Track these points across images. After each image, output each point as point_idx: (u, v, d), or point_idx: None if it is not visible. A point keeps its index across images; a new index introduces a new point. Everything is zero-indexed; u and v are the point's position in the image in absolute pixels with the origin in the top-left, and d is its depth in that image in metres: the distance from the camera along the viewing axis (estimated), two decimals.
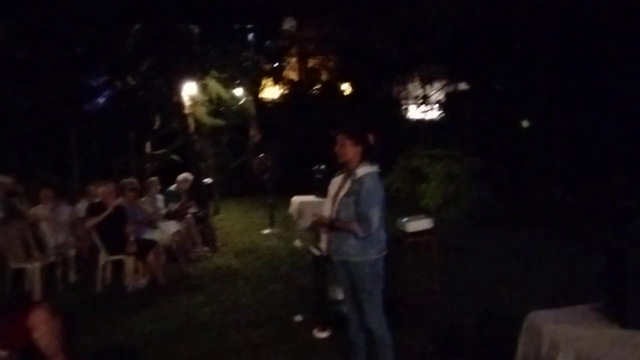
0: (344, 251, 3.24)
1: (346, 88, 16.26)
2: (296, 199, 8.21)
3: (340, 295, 4.50)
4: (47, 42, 9.64)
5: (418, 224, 4.83)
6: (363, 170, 3.24)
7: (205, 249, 7.41)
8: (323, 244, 3.46)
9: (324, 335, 4.31)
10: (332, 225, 3.27)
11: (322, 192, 7.94)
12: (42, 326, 3.21)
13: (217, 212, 10.65)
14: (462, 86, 14.95)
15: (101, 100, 10.96)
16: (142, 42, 9.47)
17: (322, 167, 8.50)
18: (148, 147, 10.88)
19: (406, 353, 3.85)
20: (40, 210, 6.33)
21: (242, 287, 5.89)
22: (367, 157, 3.30)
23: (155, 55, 9.67)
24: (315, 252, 4.68)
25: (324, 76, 16.59)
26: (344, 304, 3.68)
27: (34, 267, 5.61)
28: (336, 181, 3.44)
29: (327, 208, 3.39)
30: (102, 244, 5.86)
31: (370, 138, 3.35)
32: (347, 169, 3.36)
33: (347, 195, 3.23)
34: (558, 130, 10.91)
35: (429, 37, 11.41)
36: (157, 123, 10.98)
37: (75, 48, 10.42)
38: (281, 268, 6.65)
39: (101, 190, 6.12)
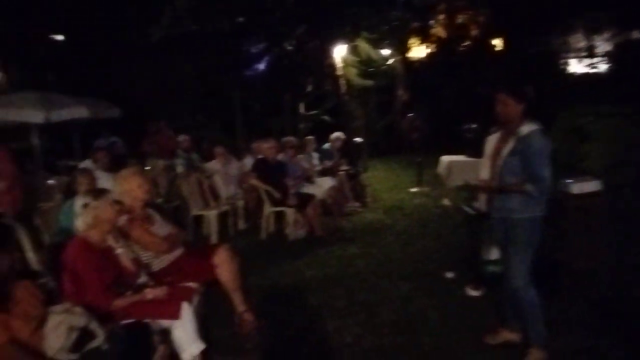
0: (508, 208, 3.17)
1: (497, 44, 15.24)
2: (445, 158, 8.12)
3: (494, 254, 4.47)
4: (214, 15, 10.57)
5: (584, 186, 4.52)
6: (527, 128, 3.11)
7: (356, 204, 7.75)
8: (481, 202, 3.43)
9: (476, 293, 4.33)
10: (502, 189, 3.17)
11: (472, 151, 7.80)
12: (225, 264, 3.73)
13: (365, 170, 10.97)
14: (636, 35, 13.09)
15: (260, 66, 11.78)
16: (297, 8, 9.91)
17: (473, 126, 8.25)
18: (302, 109, 11.52)
19: (564, 320, 3.72)
20: (214, 165, 7.18)
21: (392, 242, 6.11)
22: (528, 114, 3.18)
23: (309, 20, 10.06)
24: (469, 210, 4.67)
25: (474, 32, 15.70)
26: (499, 263, 3.65)
27: (211, 215, 6.43)
28: (493, 140, 3.34)
29: (484, 168, 3.33)
30: (266, 197, 6.47)
31: (532, 95, 3.21)
32: (506, 128, 3.25)
33: (511, 154, 3.13)
34: None
35: None
36: (310, 86, 11.54)
37: (237, 18, 11.29)
38: (430, 225, 6.72)
39: (264, 147, 6.70)
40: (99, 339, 2.32)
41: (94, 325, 2.34)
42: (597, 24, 13.21)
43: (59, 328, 2.22)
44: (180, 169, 7.55)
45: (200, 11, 9.97)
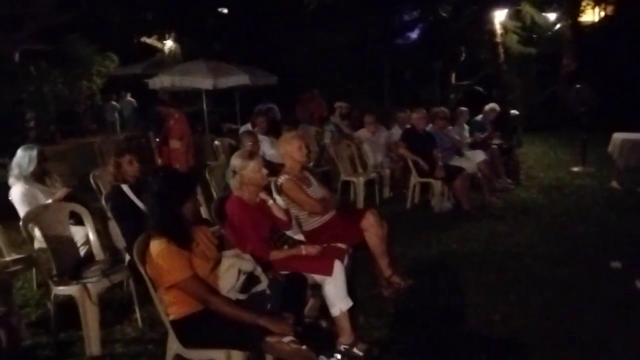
0: None
1: None
2: (618, 136, 7.21)
3: None
4: None
5: None
6: None
7: (508, 180, 7.32)
8: None
9: None
10: None
11: None
12: (373, 228, 3.81)
13: (520, 145, 10.27)
14: None
15: (413, 34, 11.53)
16: None
17: None
18: (453, 78, 11.08)
19: None
20: (363, 133, 7.29)
21: (548, 223, 5.68)
22: None
23: None
24: None
25: None
26: None
27: (359, 181, 6.58)
28: None
29: None
30: (413, 167, 6.41)
31: None
32: None
33: None
34: None
35: None
36: (463, 54, 11.00)
37: None
38: (594, 209, 6.11)
39: (414, 117, 6.60)
40: (264, 284, 2.55)
41: (259, 272, 2.57)
42: None
43: (230, 270, 2.48)
44: (330, 135, 7.80)
45: None
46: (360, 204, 6.45)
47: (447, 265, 4.59)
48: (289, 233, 3.50)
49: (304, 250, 3.23)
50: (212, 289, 2.42)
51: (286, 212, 3.45)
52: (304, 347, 2.29)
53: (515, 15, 9.98)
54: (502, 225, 5.65)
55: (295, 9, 12.52)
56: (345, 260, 3.32)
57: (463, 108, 7.89)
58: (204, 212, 4.04)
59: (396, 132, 7.23)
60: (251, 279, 2.52)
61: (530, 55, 10.88)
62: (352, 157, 6.98)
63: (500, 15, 9.38)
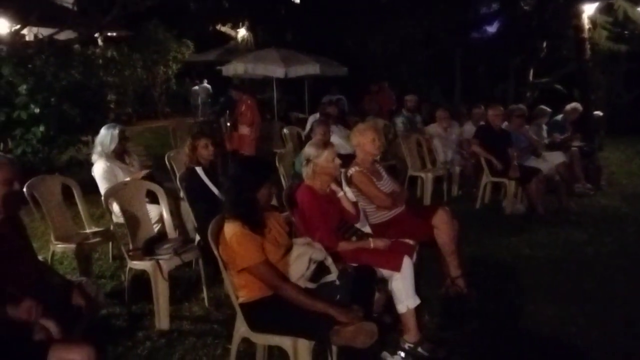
0: None
1: None
2: None
3: None
4: None
5: None
6: None
7: (588, 186, 6.89)
8: None
9: None
10: None
11: None
12: (443, 226, 3.68)
13: (601, 148, 9.65)
14: None
15: (491, 28, 11.10)
16: None
17: None
18: (531, 75, 10.56)
19: None
20: (434, 129, 7.09)
21: (631, 233, 5.29)
22: None
23: None
24: None
25: None
26: None
27: (427, 177, 6.42)
28: None
29: None
30: (485, 165, 6.16)
31: None
32: None
33: None
34: None
35: None
36: (544, 50, 10.45)
37: None
38: None
39: (490, 114, 6.34)
40: (333, 275, 2.52)
41: (329, 262, 2.54)
42: None
43: (301, 258, 2.47)
44: (401, 127, 7.67)
45: None
46: (427, 200, 6.30)
47: (518, 270, 4.38)
48: (357, 225, 3.46)
49: (372, 243, 3.17)
50: (282, 276, 2.41)
51: (355, 204, 3.40)
52: (366, 322, 2.25)
53: (607, 9, 9.33)
54: (580, 232, 5.33)
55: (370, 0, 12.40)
56: (414, 257, 3.24)
57: (543, 107, 7.48)
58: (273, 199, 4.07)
59: (469, 128, 6.98)
60: (321, 269, 2.50)
61: (620, 53, 10.16)
62: (422, 152, 6.82)
63: (589, 9, 8.81)
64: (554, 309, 3.63)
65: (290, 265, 2.51)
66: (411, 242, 3.42)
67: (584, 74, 8.92)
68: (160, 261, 3.36)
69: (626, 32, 9.88)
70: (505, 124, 6.57)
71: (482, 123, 6.59)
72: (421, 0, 11.55)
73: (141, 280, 3.71)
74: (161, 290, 3.36)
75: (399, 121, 7.89)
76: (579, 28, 8.68)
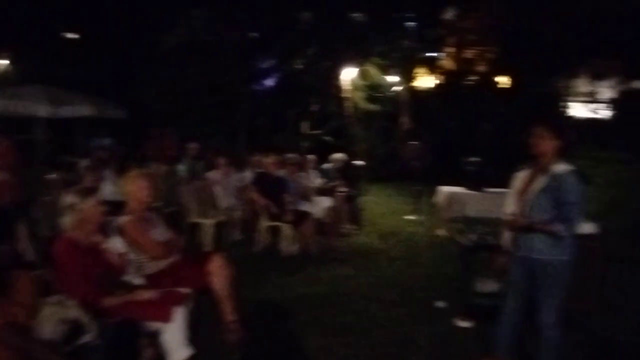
0: (534, 248, 3.14)
1: (502, 81, 15.46)
2: (443, 189, 8.15)
3: (488, 287, 4.50)
4: (228, 27, 10.75)
5: (580, 228, 4.55)
6: (562, 167, 3.09)
7: (352, 226, 7.78)
8: (506, 239, 3.40)
9: (466, 324, 4.33)
10: (531, 227, 3.12)
11: (472, 184, 7.84)
12: (218, 272, 3.72)
13: (364, 193, 11.00)
14: (637, 84, 13.37)
15: (269, 81, 11.91)
16: (311, 29, 10.08)
17: (475, 159, 8.29)
18: (305, 127, 11.61)
19: None
20: (215, 175, 7.22)
21: (385, 267, 6.12)
22: (563, 153, 3.14)
23: (321, 41, 10.22)
24: (463, 242, 4.70)
25: (481, 67, 15.96)
26: (504, 298, 3.50)
27: (208, 223, 6.45)
28: (522, 176, 3.31)
29: (511, 203, 3.31)
30: (263, 210, 6.49)
31: (572, 136, 3.21)
32: (537, 163, 3.21)
33: (543, 191, 3.10)
34: None
35: (605, 29, 10.40)
36: (316, 105, 11.65)
37: (250, 33, 11.46)
38: (424, 254, 6.74)
39: (265, 162, 6.75)
40: (91, 334, 2.33)
41: (86, 320, 2.35)
42: (601, 71, 13.48)
43: (51, 319, 2.24)
44: (183, 174, 7.58)
45: (214, 23, 10.13)
46: (208, 246, 6.31)
47: (290, 308, 4.66)
48: (128, 277, 3.28)
49: (141, 295, 3.04)
50: (29, 339, 2.14)
51: (122, 256, 3.23)
52: None
53: (363, 74, 10.96)
54: (345, 268, 5.95)
55: (153, 42, 12.19)
56: (187, 306, 3.20)
57: (311, 156, 8.28)
58: (29, 253, 3.61)
59: (249, 175, 7.30)
60: (77, 328, 2.29)
61: (375, 112, 11.94)
62: (203, 199, 6.84)
63: (351, 73, 10.21)
64: (321, 342, 3.95)
65: (40, 327, 2.24)
66: (186, 290, 3.38)
67: (346, 128, 10.22)
68: None
69: (378, 95, 11.74)
70: (281, 171, 7.05)
71: (259, 170, 6.96)
72: (206, 50, 11.82)
73: None
74: None
75: (181, 168, 7.82)
76: (339, 89, 9.97)
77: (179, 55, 11.81)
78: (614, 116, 13.76)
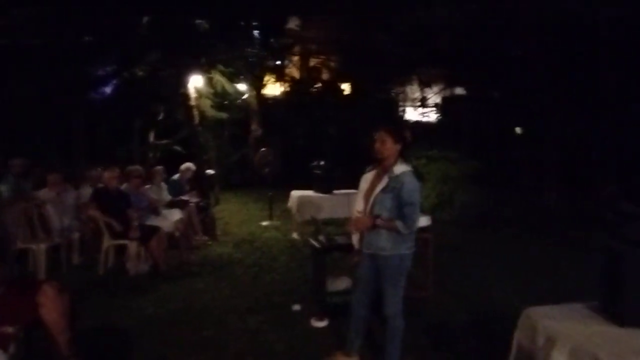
0: (379, 246, 3.34)
1: (346, 88, 16.42)
2: (295, 193, 8.36)
3: (340, 285, 4.71)
4: (58, 30, 9.75)
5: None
6: (401, 168, 3.32)
7: (205, 237, 7.57)
8: (355, 239, 3.58)
9: (321, 324, 4.46)
10: (375, 225, 3.30)
11: (320, 187, 8.15)
12: (49, 303, 3.29)
13: (217, 203, 10.82)
14: (459, 91, 15.19)
15: (108, 89, 11.08)
16: (151, 34, 9.61)
17: (321, 163, 8.62)
18: (152, 137, 11.03)
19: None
20: (46, 194, 6.47)
21: (241, 276, 6.06)
22: (402, 154, 3.40)
23: (164, 47, 9.81)
24: (315, 244, 4.85)
25: (325, 75, 16.75)
26: (353, 294, 3.77)
27: (39, 248, 5.76)
28: (368, 177, 3.52)
29: (359, 203, 3.48)
30: (105, 229, 6.00)
31: (408, 137, 3.45)
32: (381, 165, 3.43)
33: (384, 191, 3.30)
34: (551, 136, 11.06)
35: (431, 41, 11.61)
36: (162, 114, 11.13)
37: (84, 37, 10.52)
38: (279, 259, 6.82)
39: (105, 176, 6.25)
40: None
41: None
42: (428, 79, 15.02)
43: None
44: (6, 194, 6.65)
45: (42, 24, 9.12)
46: (41, 274, 5.63)
47: (143, 331, 4.36)
48: None
49: None
50: None
51: None
52: None
53: (209, 82, 10.76)
54: (199, 282, 5.76)
55: None
56: (12, 347, 2.80)
57: (158, 167, 7.89)
58: None
59: (86, 192, 6.68)
60: None
61: (224, 120, 11.81)
62: (32, 221, 6.08)
63: (196, 81, 9.94)
64: None
65: None
66: (9, 329, 2.96)
67: (194, 137, 9.94)
68: None
69: (226, 102, 11.63)
70: (124, 185, 6.59)
71: (99, 185, 6.42)
72: (33, 55, 10.56)
73: None
74: None
75: (4, 187, 6.86)
76: (186, 96, 9.66)
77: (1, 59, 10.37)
78: (438, 119, 15.44)
